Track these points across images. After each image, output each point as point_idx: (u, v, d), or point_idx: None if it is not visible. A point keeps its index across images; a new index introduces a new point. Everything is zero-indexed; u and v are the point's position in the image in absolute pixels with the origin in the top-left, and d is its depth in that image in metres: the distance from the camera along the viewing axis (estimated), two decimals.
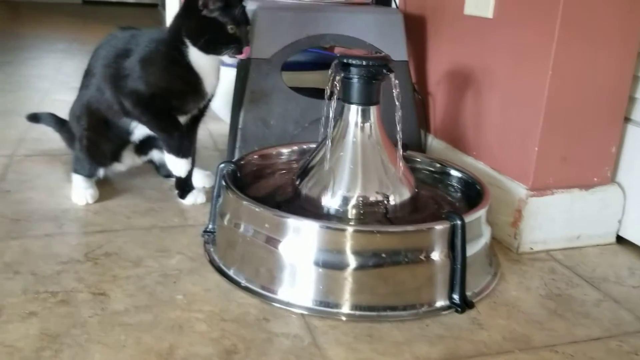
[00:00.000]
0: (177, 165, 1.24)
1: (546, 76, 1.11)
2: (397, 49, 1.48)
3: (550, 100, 1.12)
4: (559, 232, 1.19)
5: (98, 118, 1.24)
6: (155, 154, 1.36)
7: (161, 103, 1.19)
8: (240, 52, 1.15)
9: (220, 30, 1.13)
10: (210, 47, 1.15)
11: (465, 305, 0.95)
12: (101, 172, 1.30)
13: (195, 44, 1.15)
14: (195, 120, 1.30)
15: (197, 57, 1.17)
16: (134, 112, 1.19)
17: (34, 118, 1.52)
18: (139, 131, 1.26)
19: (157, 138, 1.27)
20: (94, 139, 1.26)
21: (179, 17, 1.17)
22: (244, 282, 0.98)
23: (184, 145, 1.23)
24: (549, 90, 1.11)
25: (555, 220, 1.18)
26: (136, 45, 1.19)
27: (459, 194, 1.21)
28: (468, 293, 0.97)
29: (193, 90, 1.20)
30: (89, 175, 1.29)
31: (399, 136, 1.06)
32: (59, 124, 1.46)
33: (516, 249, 1.17)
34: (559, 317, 0.96)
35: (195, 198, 1.29)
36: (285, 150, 1.32)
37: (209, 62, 1.18)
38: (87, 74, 1.27)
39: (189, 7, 1.14)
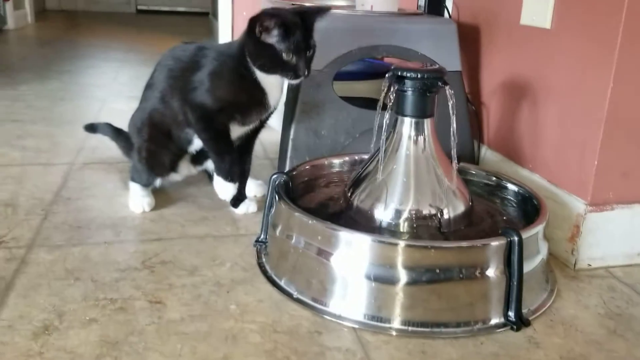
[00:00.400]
0: (223, 189, 1.25)
1: (607, 88, 1.08)
2: (450, 59, 1.47)
3: (611, 113, 1.09)
4: (618, 248, 1.15)
5: (160, 130, 1.27)
6: (210, 164, 1.38)
7: (224, 118, 1.21)
8: (296, 79, 1.15)
9: (276, 56, 1.13)
10: (268, 70, 1.15)
11: (521, 323, 0.93)
12: (158, 181, 1.34)
13: (254, 65, 1.16)
14: (255, 132, 1.31)
15: (264, 76, 1.17)
16: (196, 126, 1.21)
17: (91, 128, 1.57)
18: (198, 141, 1.28)
19: None
20: (154, 150, 1.29)
21: (243, 37, 1.18)
22: (295, 294, 0.99)
23: (233, 171, 1.25)
24: (610, 103, 1.08)
25: (615, 236, 1.15)
26: (204, 58, 1.21)
27: (514, 208, 1.18)
28: (524, 310, 0.95)
29: (257, 103, 1.21)
30: (146, 184, 1.32)
31: (454, 149, 1.05)
32: (115, 133, 1.51)
33: (573, 265, 1.14)
34: (619, 337, 0.93)
35: (247, 207, 1.30)
36: (336, 161, 1.32)
37: (275, 79, 1.18)
38: (150, 87, 1.29)
39: (249, 30, 1.14)
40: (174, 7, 6.54)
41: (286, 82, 1.20)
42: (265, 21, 1.11)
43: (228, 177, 1.24)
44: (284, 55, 1.12)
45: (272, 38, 1.12)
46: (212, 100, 1.18)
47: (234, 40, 1.24)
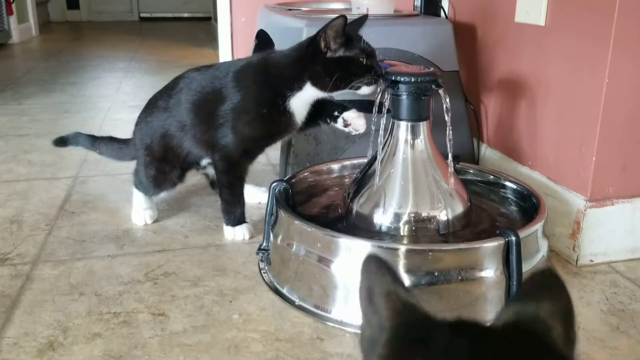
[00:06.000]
0: (237, 233, 1.24)
1: (602, 83, 1.08)
2: (447, 59, 1.47)
3: (608, 108, 1.08)
4: (620, 243, 1.15)
5: (174, 152, 1.24)
6: (210, 170, 1.37)
7: (248, 160, 1.21)
8: (376, 82, 1.09)
9: (351, 64, 1.09)
10: (341, 85, 1.11)
11: None
12: (163, 194, 1.32)
13: (320, 86, 1.12)
14: None
15: (297, 100, 1.15)
16: (217, 164, 1.20)
17: (61, 142, 1.45)
18: None
19: None
20: (164, 169, 1.26)
21: (298, 65, 1.13)
22: (297, 301, 1.00)
23: (242, 213, 1.24)
24: (606, 98, 1.08)
25: (616, 231, 1.14)
26: (223, 87, 1.17)
27: (514, 206, 1.18)
28: None
29: (285, 128, 1.19)
30: (151, 195, 1.31)
31: (450, 151, 1.05)
32: (88, 141, 1.43)
33: (575, 261, 1.14)
34: (622, 334, 0.93)
35: (243, 234, 1.26)
36: (336, 166, 1.33)
37: (307, 101, 1.16)
38: (165, 110, 1.24)
39: (313, 51, 1.11)
40: (177, 13, 6.56)
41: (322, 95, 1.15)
42: (329, 34, 1.08)
43: (237, 223, 1.24)
44: (360, 60, 1.08)
45: (338, 50, 1.09)
46: (238, 141, 1.16)
47: (252, 62, 1.20)
